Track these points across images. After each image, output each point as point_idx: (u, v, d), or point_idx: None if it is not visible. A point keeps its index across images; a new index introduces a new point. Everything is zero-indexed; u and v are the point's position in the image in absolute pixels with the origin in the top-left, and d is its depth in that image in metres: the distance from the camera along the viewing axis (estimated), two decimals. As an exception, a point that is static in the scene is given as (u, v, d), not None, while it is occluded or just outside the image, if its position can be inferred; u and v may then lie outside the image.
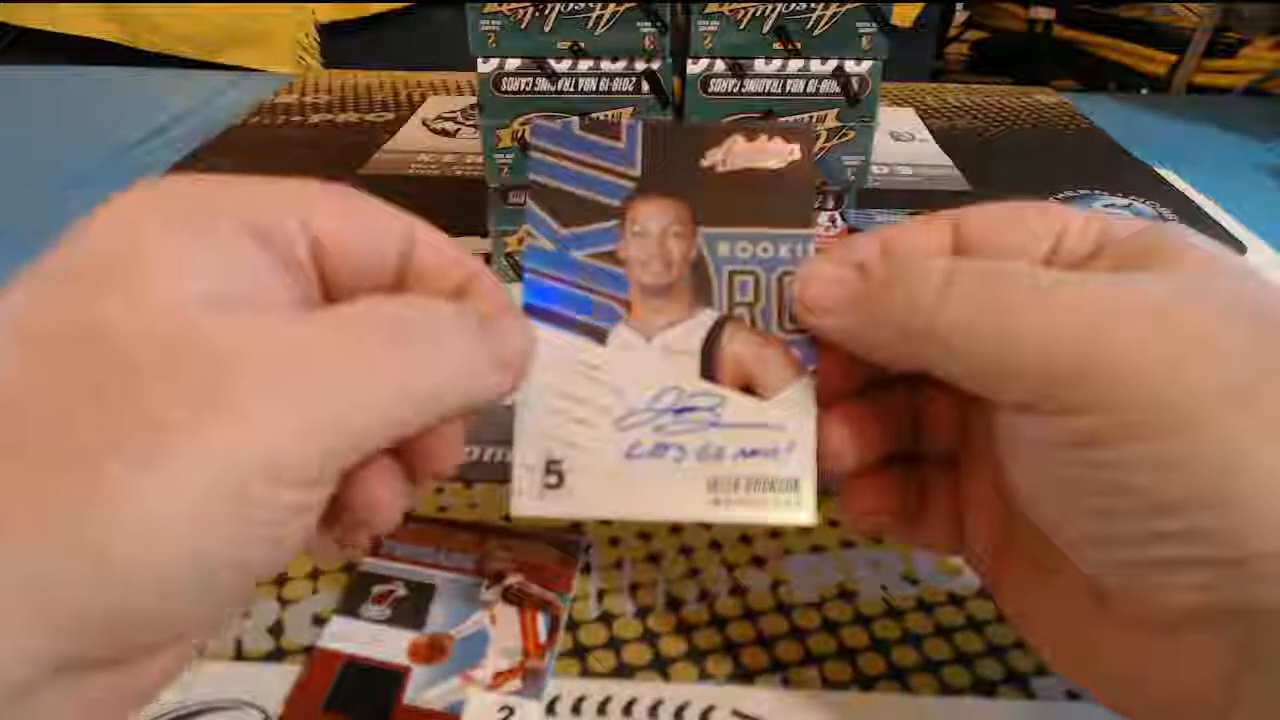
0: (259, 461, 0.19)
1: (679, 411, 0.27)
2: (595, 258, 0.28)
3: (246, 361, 0.20)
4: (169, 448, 0.19)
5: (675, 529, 0.38)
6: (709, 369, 0.27)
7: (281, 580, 0.36)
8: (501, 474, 0.42)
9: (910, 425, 0.28)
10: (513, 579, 0.36)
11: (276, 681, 0.32)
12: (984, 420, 0.27)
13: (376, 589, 0.35)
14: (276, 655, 0.33)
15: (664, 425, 0.26)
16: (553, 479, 0.26)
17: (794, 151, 0.28)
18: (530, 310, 0.27)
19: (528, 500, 0.26)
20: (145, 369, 0.19)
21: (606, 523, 0.39)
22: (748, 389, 0.27)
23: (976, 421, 0.28)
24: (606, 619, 0.34)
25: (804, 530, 0.38)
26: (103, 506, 0.18)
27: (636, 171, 0.28)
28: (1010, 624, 0.29)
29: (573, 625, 0.34)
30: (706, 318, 0.27)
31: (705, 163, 0.28)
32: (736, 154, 0.28)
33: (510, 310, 0.26)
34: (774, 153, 0.28)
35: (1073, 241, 0.25)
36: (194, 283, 0.21)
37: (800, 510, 0.27)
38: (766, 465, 0.26)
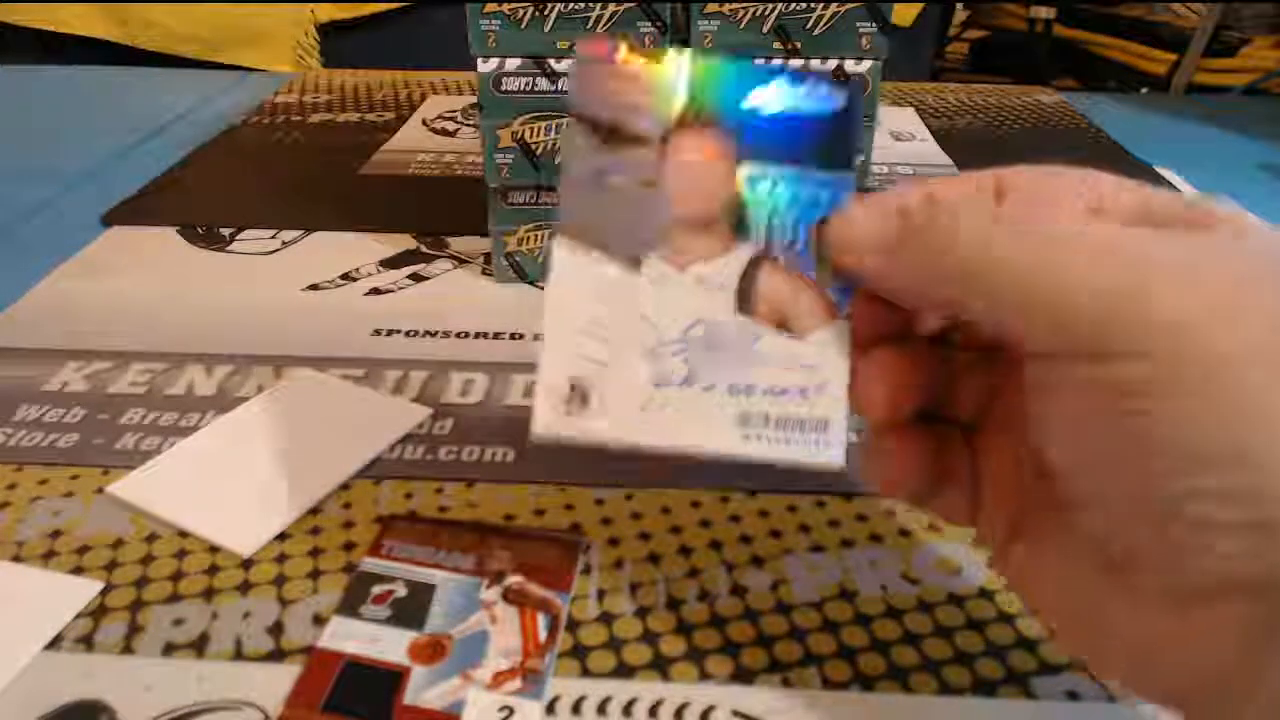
0: None
1: (711, 344, 0.26)
2: (633, 185, 0.27)
3: None
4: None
5: (675, 529, 0.38)
6: (744, 304, 0.26)
7: (281, 580, 0.36)
8: (502, 474, 0.42)
9: (936, 387, 0.28)
10: (513, 579, 0.36)
11: (276, 681, 0.32)
12: (1011, 384, 0.27)
13: (376, 589, 0.35)
14: (276, 655, 0.33)
15: (695, 357, 0.26)
16: (577, 401, 0.26)
17: (840, 96, 0.28)
18: (564, 230, 0.26)
19: (551, 418, 0.26)
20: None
21: (606, 521, 0.39)
22: (781, 328, 0.26)
23: (1003, 387, 0.28)
24: (606, 619, 0.34)
25: (804, 529, 0.38)
26: None
27: (680, 103, 0.27)
28: (1021, 600, 0.29)
29: (573, 625, 0.34)
30: (743, 254, 0.27)
31: (750, 101, 0.27)
32: (782, 95, 0.27)
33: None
34: (819, 96, 0.27)
35: (1111, 204, 0.25)
36: None
37: (829, 451, 0.26)
38: (797, 405, 0.26)
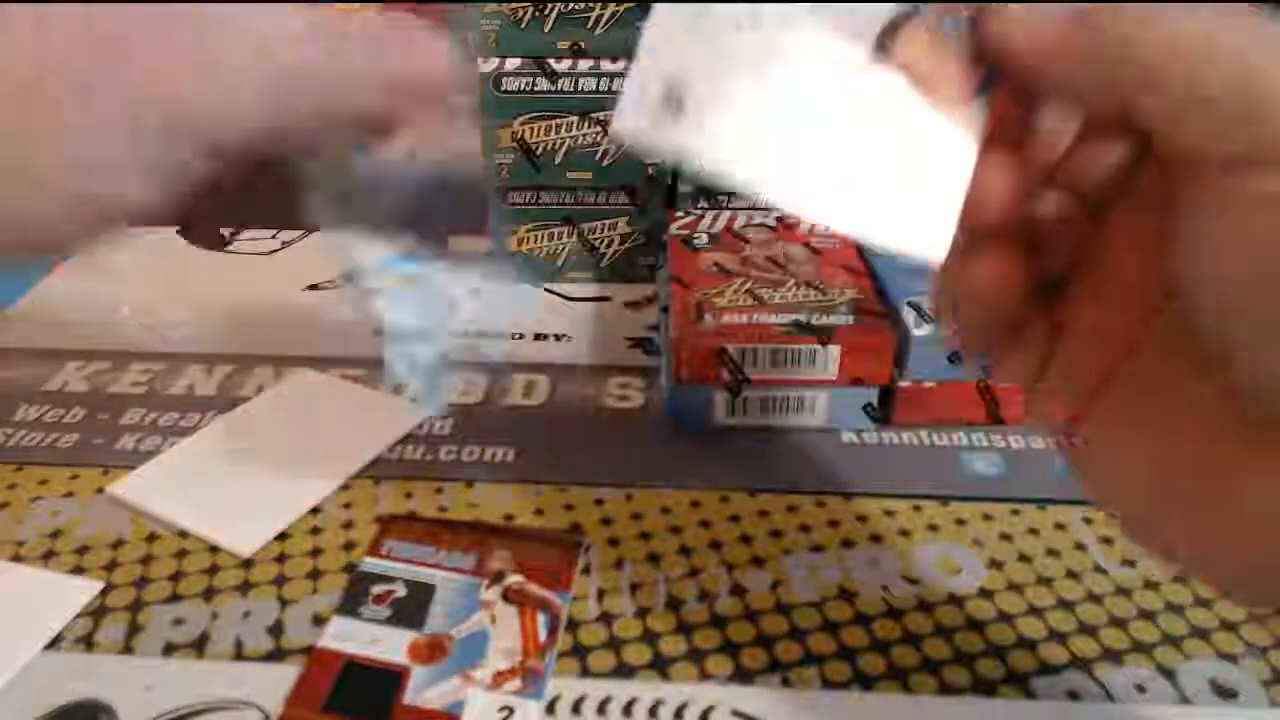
0: (182, 116, 0.23)
1: (843, 91, 0.23)
2: None
3: None
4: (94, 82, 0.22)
5: (675, 529, 0.38)
6: (882, 52, 0.23)
7: (281, 580, 0.36)
8: (502, 474, 0.42)
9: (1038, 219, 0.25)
10: (513, 579, 0.36)
11: (276, 681, 0.32)
12: (1126, 227, 0.24)
13: (376, 589, 0.35)
14: (276, 655, 0.33)
15: (813, 99, 0.23)
16: (671, 107, 0.23)
17: None
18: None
19: (634, 118, 0.23)
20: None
21: (606, 522, 0.39)
22: (914, 85, 0.23)
23: (1114, 230, 0.25)
24: (606, 619, 0.34)
25: (804, 529, 0.38)
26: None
27: None
28: (1087, 482, 0.26)
29: (573, 625, 0.34)
30: (892, 6, 0.23)
31: None
32: None
33: (424, 34, 0.27)
34: None
35: None
36: None
37: (933, 242, 0.23)
38: (912, 183, 0.23)
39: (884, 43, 0.23)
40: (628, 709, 0.31)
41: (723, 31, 0.23)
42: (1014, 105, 0.24)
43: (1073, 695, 0.32)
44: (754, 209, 0.54)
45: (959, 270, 0.25)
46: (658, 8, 0.23)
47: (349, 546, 0.37)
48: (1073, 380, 0.25)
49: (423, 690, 0.31)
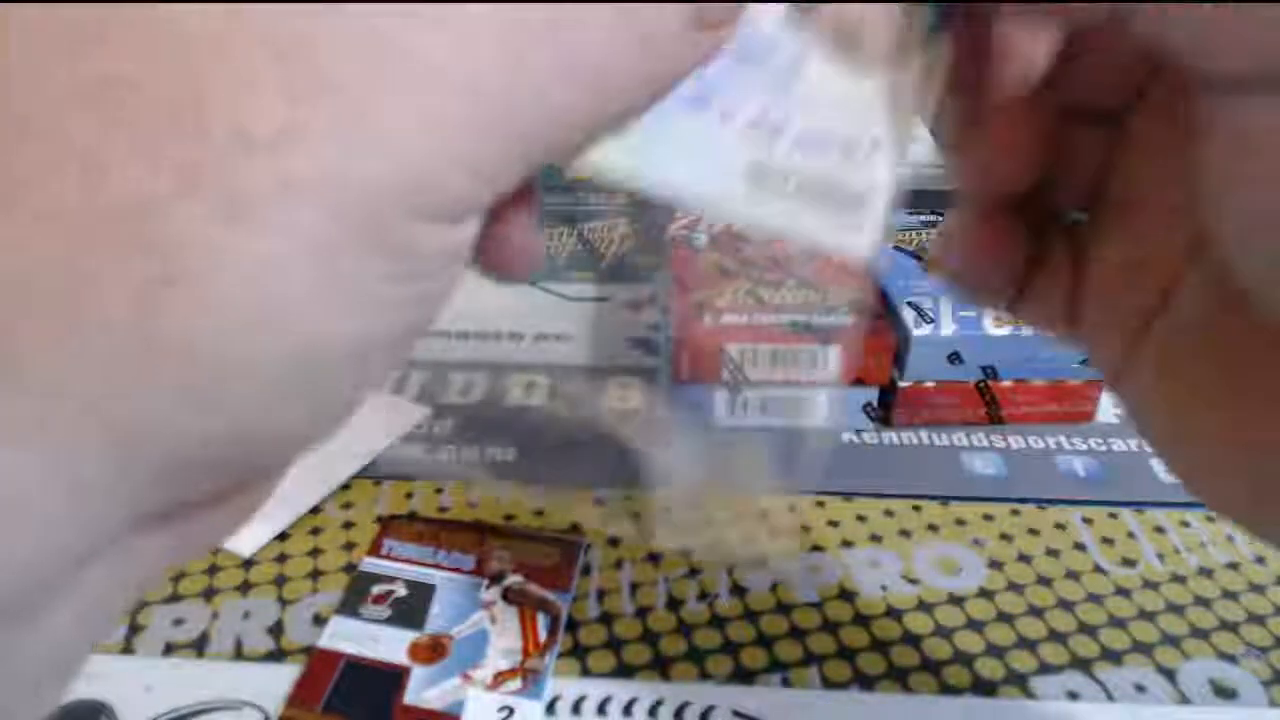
0: (401, 186, 0.13)
1: (742, 58, 0.19)
2: None
3: (367, 27, 0.13)
4: (267, 175, 0.12)
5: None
6: (796, 5, 0.19)
7: (281, 580, 0.36)
8: (502, 474, 0.42)
9: (1044, 161, 0.22)
10: (513, 579, 0.36)
11: (276, 681, 0.32)
12: (1147, 154, 0.21)
13: (376, 589, 0.35)
14: (276, 655, 0.33)
15: (715, 68, 0.19)
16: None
17: None
18: None
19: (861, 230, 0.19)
20: (199, 38, 0.12)
21: (606, 522, 0.39)
22: (844, 47, 0.19)
23: (1132, 150, 0.21)
24: (606, 619, 0.34)
25: (804, 530, 0.38)
26: (181, 286, 0.12)
27: None
28: (1145, 429, 0.23)
29: (573, 625, 0.34)
30: None
31: None
32: None
33: None
34: None
35: None
36: None
37: (858, 235, 0.20)
38: (833, 163, 0.20)
39: None
40: (628, 709, 0.31)
41: None
42: (971, 33, 0.19)
43: (1073, 695, 0.32)
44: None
45: (951, 242, 0.23)
46: None
47: (349, 546, 0.37)
48: (1109, 323, 0.22)
49: (423, 690, 0.31)
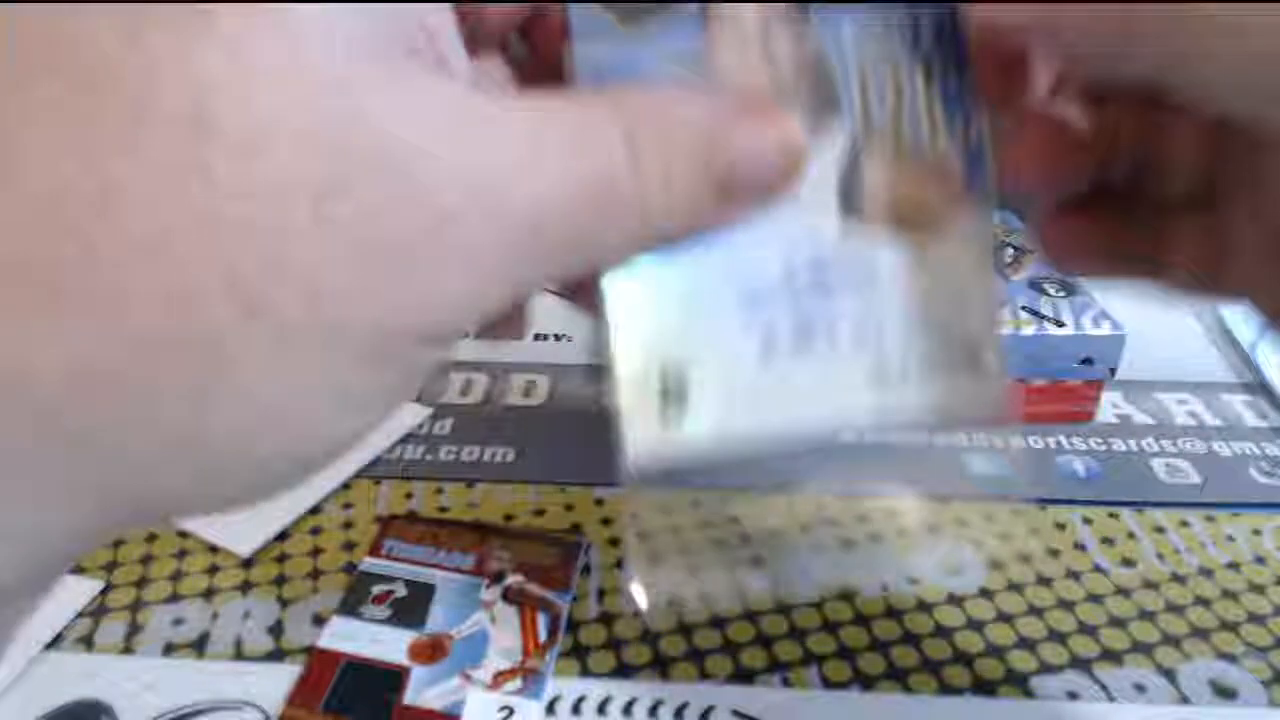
0: (423, 332, 0.15)
1: (821, 278, 0.20)
2: (673, 62, 0.19)
3: (424, 160, 0.14)
4: (306, 313, 0.14)
5: (675, 529, 0.38)
6: (851, 204, 0.20)
7: (281, 580, 0.36)
8: (502, 474, 0.42)
9: (1121, 146, 0.21)
10: (513, 579, 0.36)
11: (276, 681, 0.32)
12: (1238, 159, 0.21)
13: (376, 589, 0.35)
14: (276, 655, 0.33)
15: (804, 299, 0.20)
16: (674, 401, 0.19)
17: None
18: None
19: (652, 439, 0.19)
20: (297, 176, 0.14)
21: (606, 522, 0.39)
22: (903, 227, 0.20)
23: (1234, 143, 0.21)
24: (606, 619, 0.34)
25: (804, 530, 0.38)
26: (227, 396, 0.14)
27: None
28: None
29: (573, 625, 0.34)
30: (836, 136, 0.20)
31: None
32: None
33: (751, 99, 0.18)
34: None
35: None
36: (339, 27, 0.14)
37: (986, 389, 0.20)
38: (937, 334, 0.20)
39: (847, 184, 0.20)
40: (628, 709, 0.31)
41: (694, 279, 0.19)
42: (996, 52, 0.20)
43: (1073, 695, 0.32)
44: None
45: (1044, 231, 0.22)
46: (612, 291, 0.19)
47: (349, 546, 0.37)
48: (1261, 281, 0.21)
49: (423, 690, 0.31)
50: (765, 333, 0.20)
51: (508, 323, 0.21)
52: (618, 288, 0.19)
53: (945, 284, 0.20)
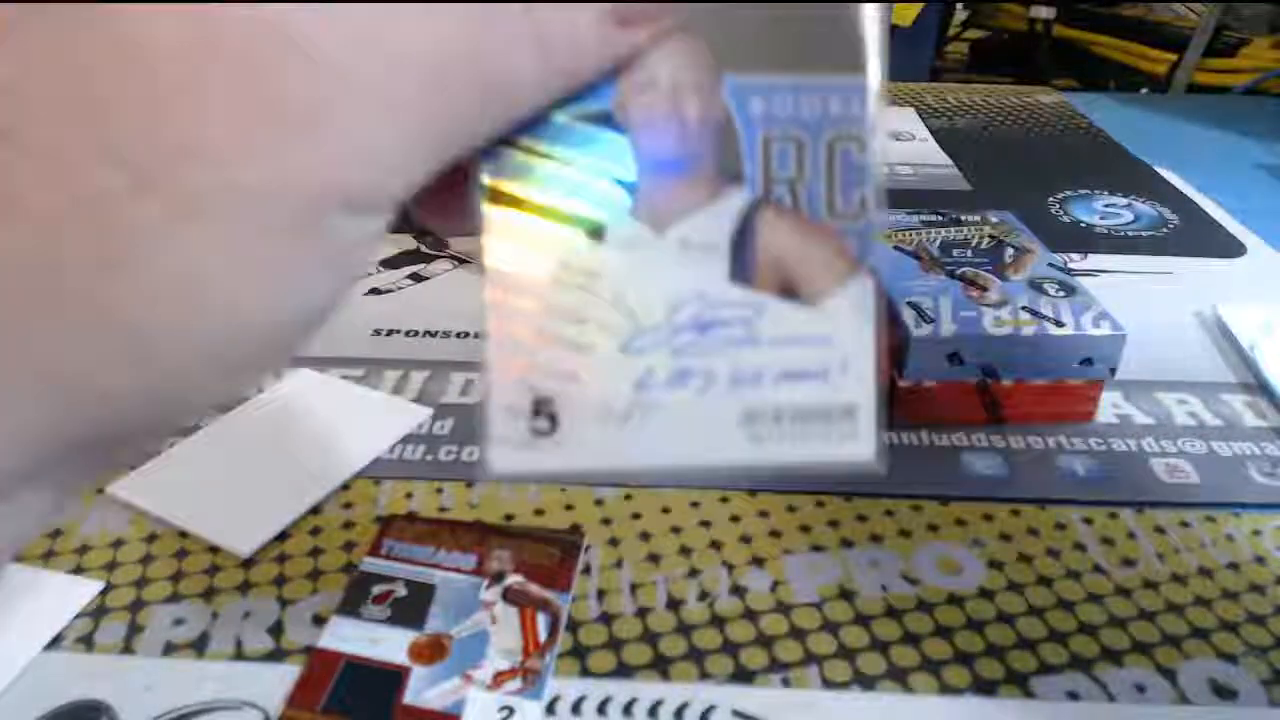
0: (335, 187, 0.15)
1: (703, 327, 0.21)
2: (585, 120, 0.20)
3: (319, 33, 0.14)
4: (212, 177, 0.14)
5: (675, 529, 0.38)
6: (741, 269, 0.21)
7: (281, 580, 0.36)
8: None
9: None
10: (513, 579, 0.36)
11: (276, 681, 0.32)
12: None
13: (376, 589, 0.35)
14: (276, 655, 0.33)
15: (684, 346, 0.21)
16: (542, 423, 0.21)
17: None
18: (496, 195, 0.21)
19: (511, 452, 0.21)
20: (168, 53, 0.14)
21: (606, 522, 0.39)
22: (789, 292, 0.21)
23: None
24: (606, 619, 0.34)
25: (804, 529, 0.38)
26: (128, 265, 0.14)
27: None
28: None
29: (573, 625, 0.34)
30: (737, 201, 0.21)
31: None
32: None
33: None
34: None
35: None
36: None
37: (858, 443, 0.22)
38: (815, 390, 0.21)
39: (739, 248, 0.21)
40: (628, 709, 0.31)
41: (578, 317, 0.21)
42: None
43: (1073, 695, 0.32)
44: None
45: None
46: (495, 318, 0.20)
47: (349, 546, 0.37)
48: None
49: (423, 690, 0.31)
50: (641, 374, 0.21)
51: (445, 207, 0.20)
52: (499, 306, 0.20)
53: (828, 347, 0.21)
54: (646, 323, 0.21)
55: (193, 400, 0.16)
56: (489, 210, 0.21)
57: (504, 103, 0.17)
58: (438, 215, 0.20)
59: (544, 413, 0.21)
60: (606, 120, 0.20)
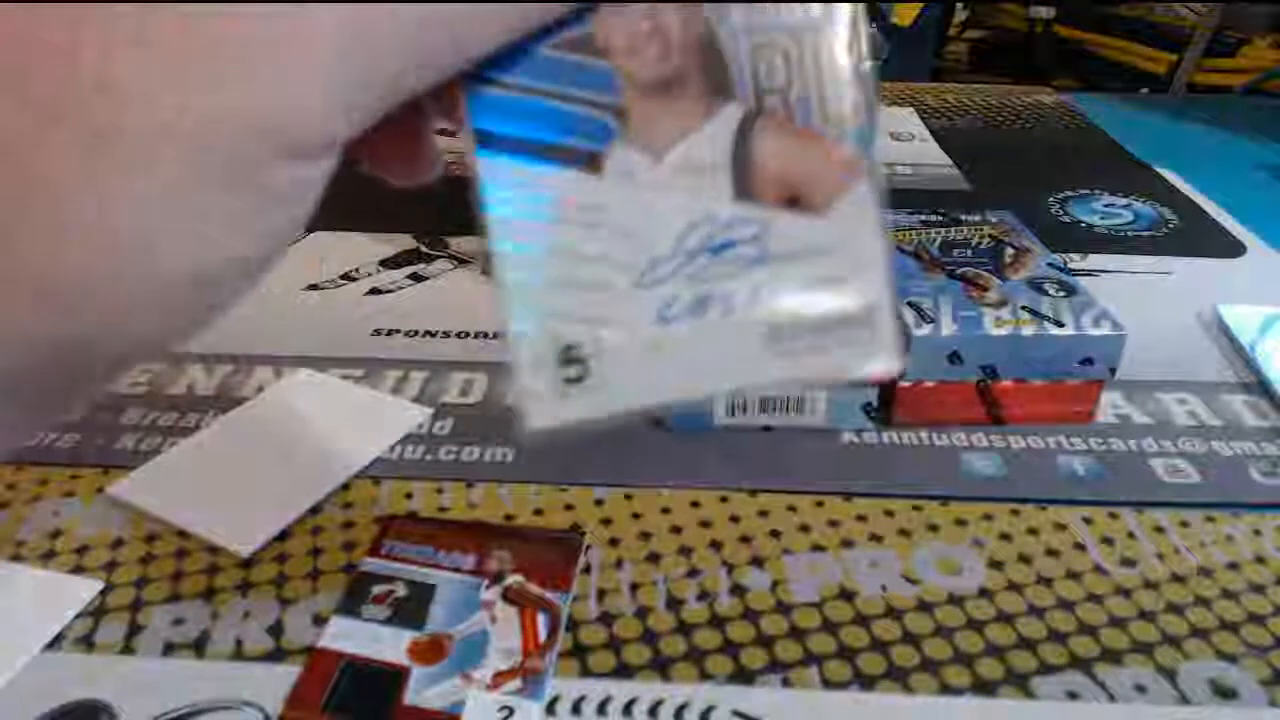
0: (267, 127, 0.14)
1: (716, 249, 0.21)
2: (565, 48, 0.20)
3: None
4: (130, 115, 0.13)
5: (675, 529, 0.38)
6: (744, 184, 0.21)
7: (281, 580, 0.36)
8: (502, 474, 0.42)
9: None
10: (513, 579, 0.36)
11: (276, 681, 0.32)
12: None
13: (376, 589, 0.35)
14: (276, 655, 0.33)
15: (699, 271, 0.21)
16: (573, 371, 0.21)
17: None
18: (486, 139, 0.20)
19: (545, 406, 0.20)
20: None
21: (606, 522, 0.39)
22: (795, 203, 0.21)
23: None
24: (606, 619, 0.34)
25: (804, 529, 0.38)
26: (39, 209, 0.13)
27: None
28: None
29: (573, 625, 0.34)
30: (730, 116, 0.20)
31: None
32: None
33: None
34: None
35: None
36: None
37: (878, 351, 0.21)
38: (833, 298, 0.21)
39: (739, 163, 0.20)
40: (628, 709, 0.31)
41: (589, 256, 0.20)
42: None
43: (1073, 695, 0.32)
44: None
45: None
46: (507, 269, 0.20)
47: (349, 546, 0.37)
48: None
49: (423, 690, 0.31)
50: (660, 305, 0.20)
51: (397, 155, 0.19)
52: (508, 256, 0.20)
53: (839, 253, 0.21)
54: (658, 252, 0.20)
55: (131, 350, 0.16)
56: (482, 157, 0.20)
57: (449, 41, 0.16)
58: (389, 164, 0.19)
59: (572, 360, 0.20)
60: (590, 48, 0.20)
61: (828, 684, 0.32)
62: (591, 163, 0.20)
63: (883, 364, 0.21)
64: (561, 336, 0.20)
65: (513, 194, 0.20)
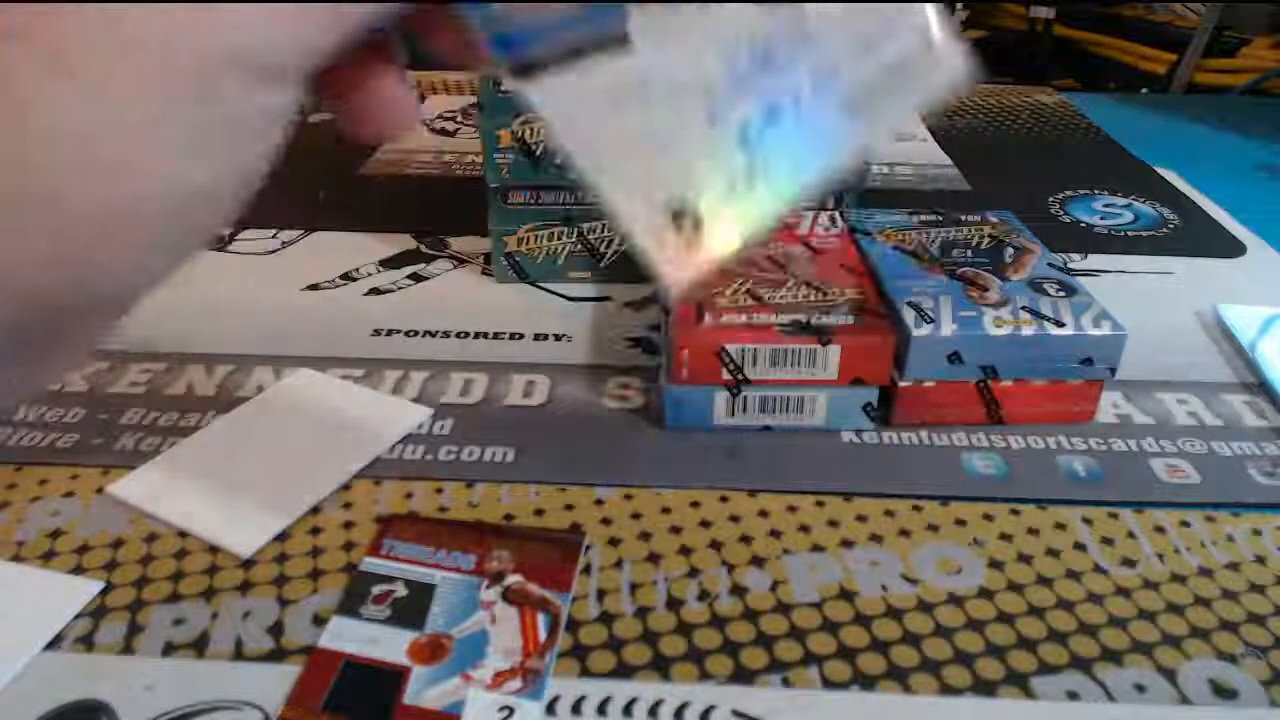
0: (232, 47, 0.15)
1: (765, 59, 0.21)
2: None
3: None
4: (92, 31, 0.13)
5: (675, 529, 0.38)
6: None
7: (281, 580, 0.36)
8: (502, 474, 0.42)
9: None
10: (513, 579, 0.36)
11: (276, 681, 0.32)
12: None
13: (376, 589, 0.35)
14: (276, 655, 0.33)
15: (759, 85, 0.21)
16: (688, 224, 0.21)
17: None
18: (521, 69, 0.20)
19: (679, 267, 0.21)
20: None
21: (606, 522, 0.39)
22: None
23: None
24: (606, 619, 0.34)
25: (804, 529, 0.38)
26: (9, 127, 0.13)
27: None
28: None
29: (573, 625, 0.34)
30: None
31: None
32: None
33: None
34: None
35: None
36: None
37: (945, 56, 0.21)
38: (888, 46, 0.21)
39: None
40: (628, 709, 0.31)
41: (657, 116, 0.21)
42: None
43: (1073, 695, 0.32)
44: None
45: None
46: (590, 156, 0.20)
47: (349, 546, 0.37)
48: None
49: (423, 690, 0.31)
50: (738, 133, 0.21)
51: (374, 103, 0.20)
52: (592, 160, 0.21)
53: (876, 6, 0.21)
54: (715, 87, 0.21)
55: (107, 284, 0.16)
56: (526, 89, 0.20)
57: None
58: (361, 115, 0.20)
59: (684, 217, 0.21)
60: None
61: (828, 684, 0.32)
62: (619, 42, 0.20)
63: (955, 65, 0.21)
64: (666, 200, 0.21)
65: (565, 104, 0.20)
